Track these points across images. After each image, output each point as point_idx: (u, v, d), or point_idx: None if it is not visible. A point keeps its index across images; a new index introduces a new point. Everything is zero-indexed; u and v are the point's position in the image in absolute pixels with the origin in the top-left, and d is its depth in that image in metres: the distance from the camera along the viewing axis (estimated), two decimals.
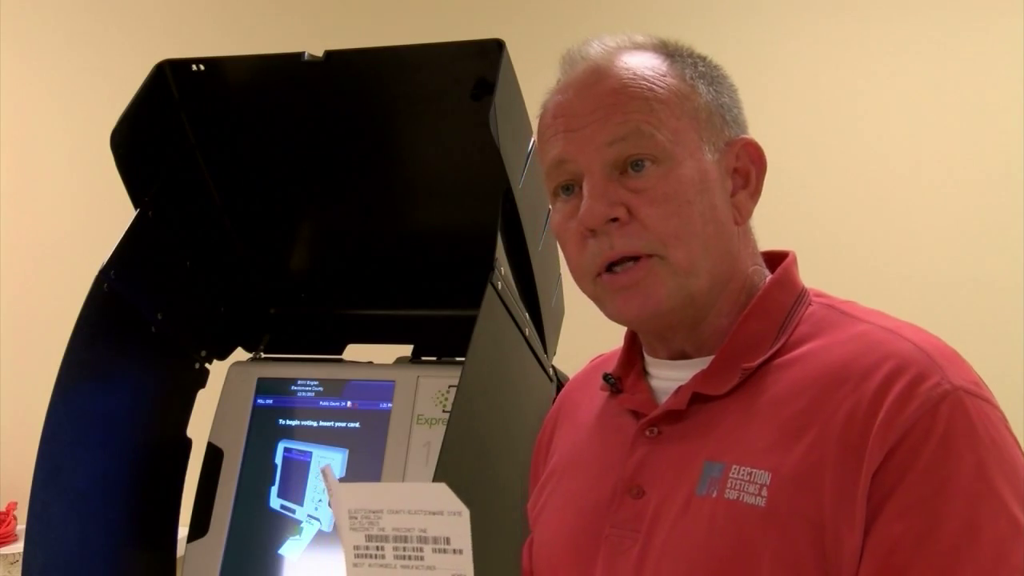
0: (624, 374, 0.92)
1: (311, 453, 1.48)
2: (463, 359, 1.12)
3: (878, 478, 0.71)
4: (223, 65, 1.39)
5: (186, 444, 1.53)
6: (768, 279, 0.87)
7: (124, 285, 1.34)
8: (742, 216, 0.85)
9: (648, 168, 0.80)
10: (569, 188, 0.84)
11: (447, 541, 0.70)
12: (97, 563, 1.35)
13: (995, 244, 2.32)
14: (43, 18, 2.95)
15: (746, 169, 0.86)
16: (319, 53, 1.32)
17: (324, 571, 1.42)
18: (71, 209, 2.85)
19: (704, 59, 0.87)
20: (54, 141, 2.91)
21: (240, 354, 1.62)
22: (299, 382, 1.53)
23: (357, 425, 1.47)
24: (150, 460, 1.45)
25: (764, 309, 0.84)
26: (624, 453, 0.85)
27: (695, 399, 0.82)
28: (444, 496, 0.70)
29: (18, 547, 2.40)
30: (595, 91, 0.82)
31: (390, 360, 1.56)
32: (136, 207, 1.38)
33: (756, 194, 0.86)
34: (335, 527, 1.43)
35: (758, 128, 0.90)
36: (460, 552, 0.69)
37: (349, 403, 1.49)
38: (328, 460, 1.46)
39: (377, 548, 0.72)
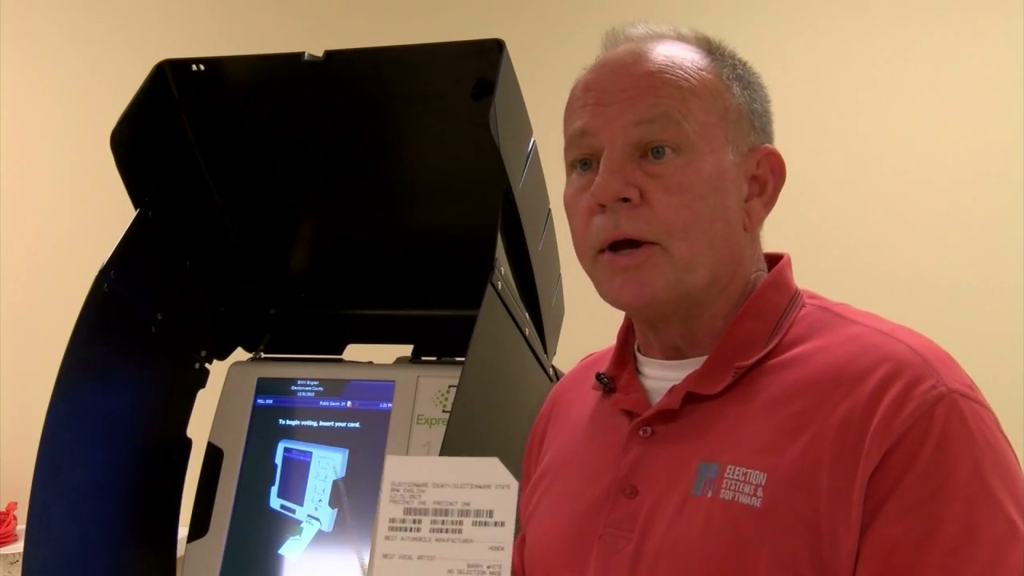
0: (617, 374, 0.92)
1: (311, 453, 1.48)
2: (463, 359, 1.12)
3: (875, 480, 0.71)
4: (223, 65, 1.39)
5: (186, 444, 1.53)
6: (761, 281, 0.87)
7: (124, 285, 1.34)
8: (752, 223, 0.85)
9: (668, 156, 0.80)
10: (587, 162, 0.84)
11: (490, 514, 0.70)
12: (97, 563, 1.35)
13: (995, 245, 2.32)
14: (43, 18, 2.95)
15: (764, 178, 0.86)
16: (319, 53, 1.32)
17: (324, 571, 1.42)
18: (71, 209, 2.85)
19: (744, 64, 0.87)
20: (54, 141, 2.91)
21: (240, 354, 1.62)
22: (299, 382, 1.53)
23: (357, 425, 1.47)
24: (150, 460, 1.45)
25: (758, 310, 0.84)
26: (618, 453, 0.85)
27: (689, 399, 0.82)
28: (495, 469, 0.71)
29: (18, 547, 2.40)
30: (631, 71, 0.82)
31: (390, 360, 1.56)
32: (136, 207, 1.38)
33: (770, 204, 0.87)
34: (335, 527, 1.43)
35: None
36: (502, 524, 0.69)
37: (349, 403, 1.49)
38: (328, 460, 1.46)
39: (414, 521, 0.71)
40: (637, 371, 0.90)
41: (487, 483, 0.70)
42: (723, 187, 0.82)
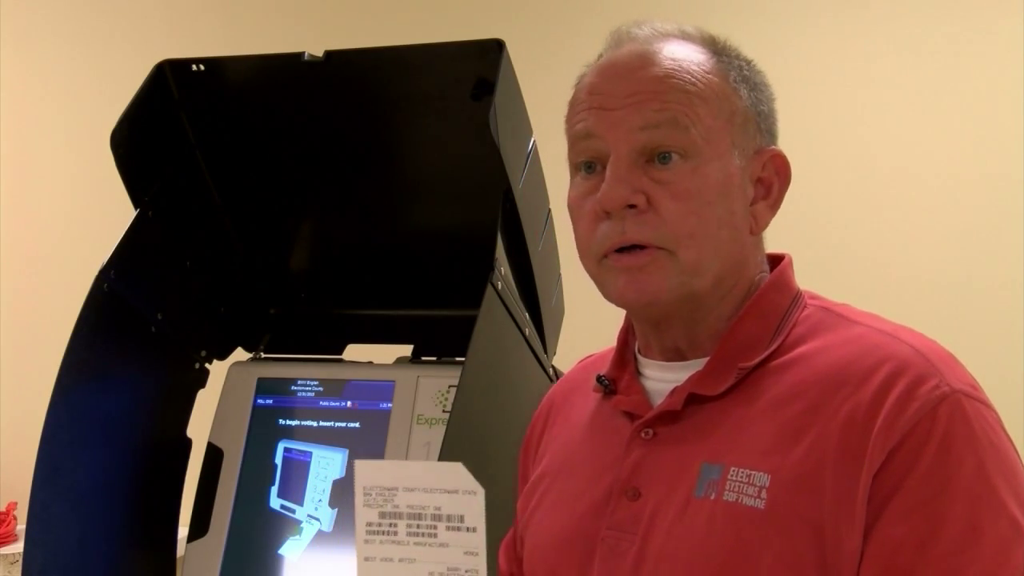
0: (618, 376, 0.91)
1: (311, 453, 1.48)
2: (463, 359, 1.12)
3: (878, 480, 0.71)
4: (223, 65, 1.39)
5: (186, 444, 1.52)
6: (763, 282, 0.87)
7: (124, 285, 1.34)
8: (758, 226, 0.85)
9: (675, 161, 0.80)
10: (591, 165, 0.83)
11: (461, 519, 0.70)
12: (97, 563, 1.35)
13: (995, 245, 2.32)
14: (43, 18, 2.95)
15: (770, 180, 0.85)
16: (319, 53, 1.32)
17: (324, 571, 1.42)
18: (71, 209, 2.85)
19: (749, 63, 0.86)
20: (54, 141, 2.91)
21: (240, 354, 1.62)
22: (299, 382, 1.53)
23: (357, 425, 1.47)
24: (150, 460, 1.45)
25: (760, 310, 0.84)
26: (619, 455, 0.85)
27: (691, 400, 0.82)
28: (460, 475, 0.71)
29: (18, 547, 2.40)
30: (637, 75, 0.82)
31: (390, 360, 1.56)
32: (136, 207, 1.38)
33: (776, 206, 0.86)
34: (335, 527, 1.43)
35: None
36: (474, 530, 0.70)
37: (349, 403, 1.49)
38: (328, 460, 1.46)
39: (390, 525, 0.72)
40: (638, 372, 0.90)
41: (455, 488, 0.71)
42: (729, 192, 0.81)
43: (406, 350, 1.56)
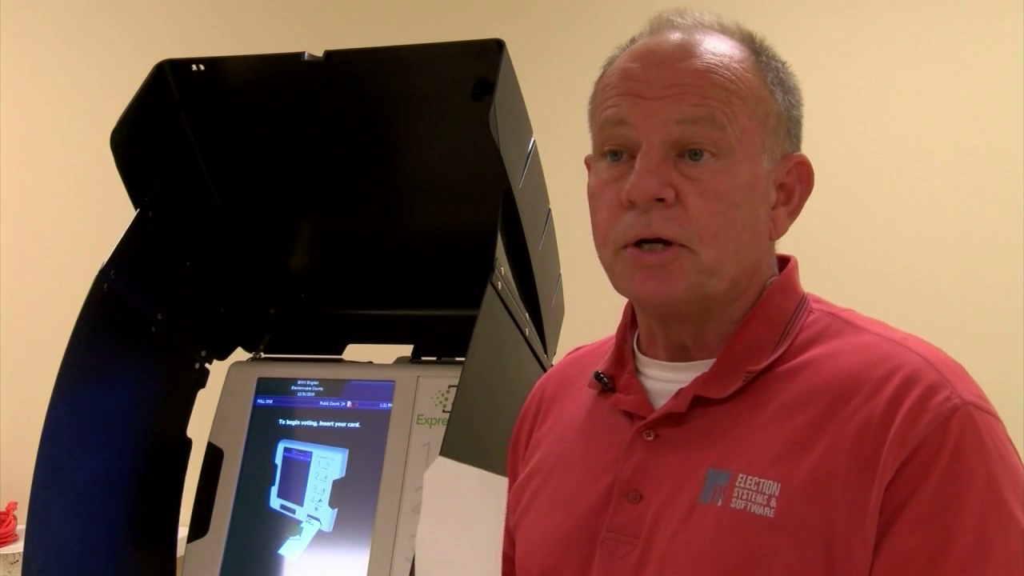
0: (616, 373, 0.89)
1: (311, 453, 1.48)
2: (463, 359, 1.12)
3: (890, 491, 0.70)
4: (223, 65, 1.39)
5: (186, 444, 1.52)
6: (770, 285, 0.86)
7: (124, 285, 1.34)
8: (777, 231, 0.84)
9: (707, 159, 0.78)
10: (617, 154, 0.81)
11: None
12: (97, 563, 1.35)
13: (995, 245, 2.32)
14: (43, 18, 2.95)
15: (792, 186, 0.84)
16: (319, 53, 1.32)
17: (324, 571, 1.42)
18: (71, 209, 2.85)
19: (784, 65, 0.85)
20: (54, 141, 2.91)
21: (240, 354, 1.62)
22: (299, 382, 1.53)
23: (357, 425, 1.47)
24: (150, 460, 1.45)
25: (767, 314, 0.83)
26: (619, 455, 0.84)
27: (696, 402, 0.81)
28: None
29: (18, 547, 2.40)
30: (677, 67, 0.80)
31: (390, 360, 1.56)
32: (136, 207, 1.38)
33: (795, 213, 0.85)
34: (335, 527, 1.43)
35: None
36: None
37: (349, 403, 1.49)
38: (328, 460, 1.46)
39: None
40: (637, 371, 0.89)
41: None
42: (755, 195, 0.80)
43: (406, 350, 1.56)
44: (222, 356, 1.59)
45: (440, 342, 1.53)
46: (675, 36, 0.82)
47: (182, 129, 1.44)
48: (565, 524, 0.86)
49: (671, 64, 0.80)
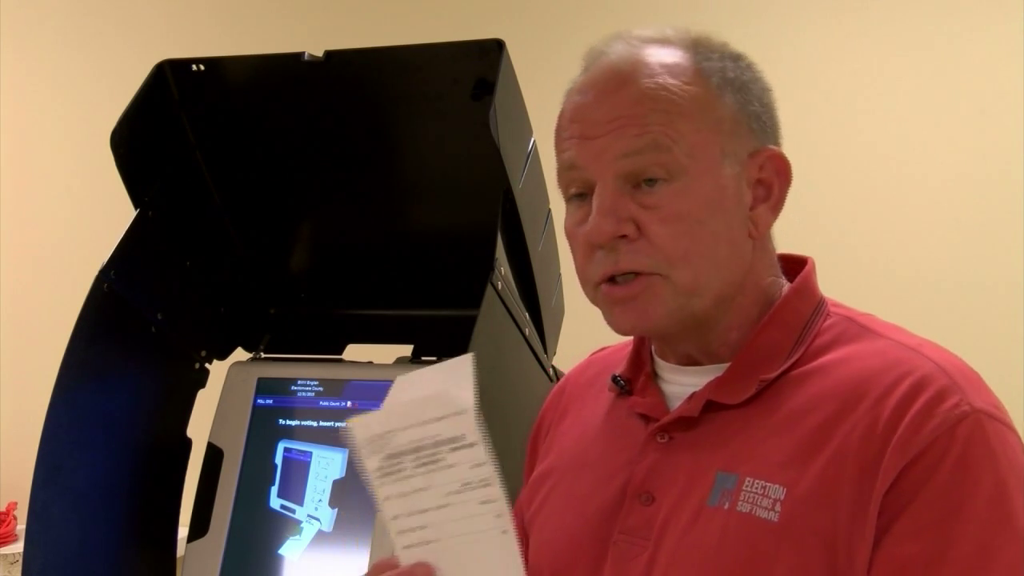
0: (633, 376, 0.90)
1: (311, 453, 1.48)
2: None
3: (890, 495, 0.70)
4: (223, 65, 1.39)
5: (186, 444, 1.52)
6: (787, 288, 0.85)
7: (124, 285, 1.34)
8: (758, 230, 0.82)
9: (661, 185, 0.78)
10: (582, 194, 0.82)
11: (461, 438, 0.72)
12: (97, 563, 1.35)
13: (995, 244, 2.32)
14: (43, 18, 2.95)
15: (769, 181, 0.83)
16: (319, 53, 1.32)
17: (324, 571, 1.42)
18: (71, 209, 2.85)
19: (736, 60, 0.83)
20: (54, 141, 2.91)
21: (240, 354, 1.62)
22: (299, 382, 1.53)
23: None
24: (150, 460, 1.45)
25: (783, 319, 0.82)
26: (633, 457, 0.84)
27: (709, 407, 0.81)
28: (446, 402, 0.73)
29: (18, 547, 2.40)
30: (614, 99, 0.79)
31: (390, 360, 1.56)
32: (136, 207, 1.38)
33: (777, 207, 0.84)
34: (335, 527, 1.43)
35: None
36: (475, 444, 0.71)
37: (349, 403, 1.49)
38: (328, 460, 1.46)
39: (396, 463, 0.75)
40: (654, 374, 0.89)
41: (444, 414, 0.73)
42: (723, 205, 0.79)
43: (406, 350, 1.56)
44: (222, 356, 1.59)
45: (440, 342, 1.53)
46: (610, 65, 0.81)
47: (182, 129, 1.44)
48: (577, 525, 0.86)
49: (608, 97, 0.80)
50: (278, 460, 1.49)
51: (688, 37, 0.83)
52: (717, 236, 0.79)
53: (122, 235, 1.35)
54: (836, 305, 0.86)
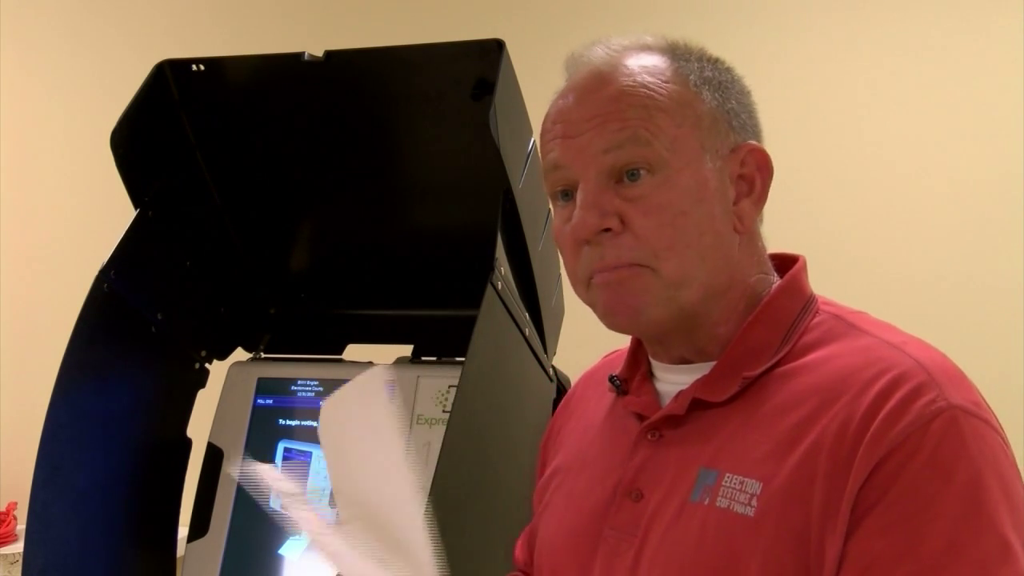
0: (630, 376, 0.91)
1: (311, 453, 1.48)
2: (463, 359, 1.12)
3: (863, 491, 0.70)
4: (223, 65, 1.39)
5: (186, 444, 1.53)
6: (775, 286, 0.86)
7: (124, 285, 1.34)
8: (744, 224, 0.83)
9: (643, 177, 0.79)
10: (567, 193, 0.84)
11: None
12: (97, 563, 1.35)
13: (995, 245, 2.32)
14: (43, 18, 2.95)
15: (751, 176, 0.84)
16: (319, 53, 1.32)
17: (324, 571, 1.42)
18: (71, 209, 2.85)
19: (714, 62, 0.85)
20: (54, 141, 2.91)
21: (240, 354, 1.62)
22: (299, 382, 1.53)
23: None
24: (150, 460, 1.45)
25: (770, 316, 0.83)
26: (625, 455, 0.85)
27: (695, 405, 0.82)
28: None
29: (18, 547, 2.40)
30: (594, 98, 0.81)
31: (390, 360, 1.56)
32: (136, 207, 1.38)
33: (761, 201, 0.85)
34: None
35: None
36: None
37: None
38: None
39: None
40: (650, 373, 0.90)
41: None
42: (705, 197, 0.80)
43: (406, 350, 1.56)
44: (222, 356, 1.59)
45: (440, 342, 1.53)
46: (590, 68, 0.83)
47: (182, 129, 1.44)
48: (573, 522, 0.88)
49: (587, 96, 0.82)
50: (278, 460, 1.49)
51: (666, 42, 0.85)
52: (701, 226, 0.80)
53: (122, 235, 1.35)
54: (828, 303, 0.86)
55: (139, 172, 1.37)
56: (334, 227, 1.58)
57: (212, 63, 1.38)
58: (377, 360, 1.59)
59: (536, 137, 1.34)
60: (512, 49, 1.22)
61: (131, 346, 1.40)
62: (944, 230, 2.36)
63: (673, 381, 0.86)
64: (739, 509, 0.74)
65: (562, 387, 1.49)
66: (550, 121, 0.85)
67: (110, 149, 1.32)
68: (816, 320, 0.83)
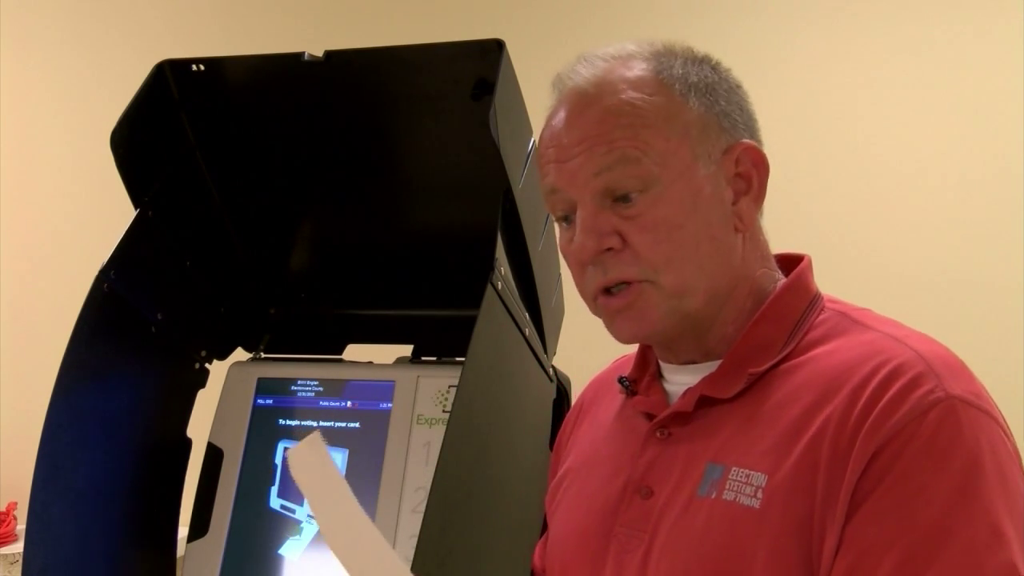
0: (639, 376, 0.93)
1: None
2: (463, 359, 1.12)
3: (861, 481, 0.71)
4: (223, 65, 1.39)
5: (186, 444, 1.52)
6: (780, 284, 0.87)
7: (124, 285, 1.34)
8: (744, 223, 0.84)
9: (636, 197, 0.81)
10: (567, 217, 0.86)
11: None
12: (97, 563, 1.35)
13: (995, 244, 2.32)
14: (43, 18, 2.95)
15: (748, 174, 0.85)
16: (319, 53, 1.32)
17: (324, 571, 1.42)
18: (71, 209, 2.85)
19: (701, 63, 0.85)
20: (54, 141, 2.91)
21: (240, 354, 1.62)
22: (299, 382, 1.53)
23: (357, 425, 1.47)
24: (150, 460, 1.45)
25: (775, 314, 0.84)
26: (635, 453, 0.87)
27: (702, 402, 0.83)
28: None
29: (18, 547, 2.40)
30: (580, 121, 0.83)
31: (390, 360, 1.56)
32: (136, 207, 1.38)
33: (759, 198, 0.86)
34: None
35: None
36: None
37: (349, 403, 1.49)
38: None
39: None
40: (659, 373, 0.92)
41: None
42: (701, 206, 0.82)
43: (406, 350, 1.56)
44: (222, 356, 1.59)
45: (440, 342, 1.53)
46: (575, 90, 0.85)
47: (182, 129, 1.44)
48: (585, 520, 0.89)
49: (576, 120, 0.83)
50: (278, 460, 1.49)
51: (649, 49, 0.86)
52: (698, 236, 0.81)
53: (122, 235, 1.35)
54: (833, 301, 0.87)
55: (139, 172, 1.37)
56: (334, 227, 1.58)
57: (212, 63, 1.38)
58: (377, 360, 1.59)
59: (536, 137, 1.34)
60: (512, 49, 1.22)
61: (131, 346, 1.40)
62: (944, 229, 2.37)
63: (681, 382, 0.88)
64: (745, 501, 0.75)
65: (562, 387, 1.48)
66: (543, 145, 0.87)
67: (110, 149, 1.32)
68: (821, 317, 0.84)
